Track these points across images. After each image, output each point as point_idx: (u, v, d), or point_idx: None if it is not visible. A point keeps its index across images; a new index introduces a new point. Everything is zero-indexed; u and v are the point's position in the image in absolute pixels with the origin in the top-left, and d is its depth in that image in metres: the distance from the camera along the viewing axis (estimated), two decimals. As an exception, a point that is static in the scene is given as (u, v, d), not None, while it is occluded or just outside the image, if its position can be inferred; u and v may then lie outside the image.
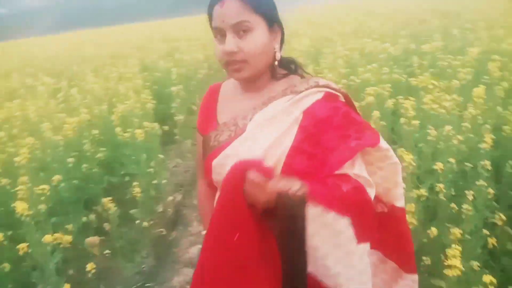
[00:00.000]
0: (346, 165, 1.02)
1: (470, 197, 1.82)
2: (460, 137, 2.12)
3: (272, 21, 1.06)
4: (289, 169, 1.01)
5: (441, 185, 1.93)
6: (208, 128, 1.18)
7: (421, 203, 1.99)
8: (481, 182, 1.86)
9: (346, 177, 1.01)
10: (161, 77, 5.67)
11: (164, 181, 3.60)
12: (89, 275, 2.10)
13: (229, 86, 1.22)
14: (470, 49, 3.39)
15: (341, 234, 0.97)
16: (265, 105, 1.09)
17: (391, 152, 1.09)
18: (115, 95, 4.01)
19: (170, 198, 3.61)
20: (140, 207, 3.14)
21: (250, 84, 1.13)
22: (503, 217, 1.87)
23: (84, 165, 2.94)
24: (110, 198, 2.66)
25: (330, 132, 1.03)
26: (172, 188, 3.84)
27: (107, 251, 2.89)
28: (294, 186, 0.93)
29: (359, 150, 1.03)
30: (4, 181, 2.43)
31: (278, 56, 1.08)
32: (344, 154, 1.01)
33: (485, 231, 1.83)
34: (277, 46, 1.08)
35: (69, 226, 2.59)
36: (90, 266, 2.10)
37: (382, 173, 1.09)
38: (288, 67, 1.16)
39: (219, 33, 1.04)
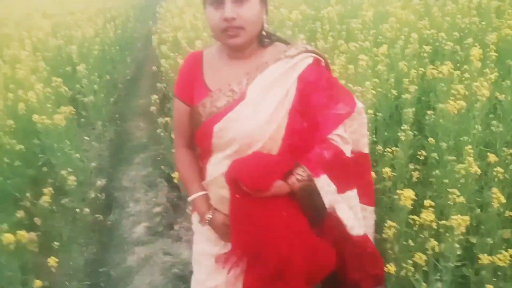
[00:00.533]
0: None
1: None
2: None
3: None
4: (290, 128, 1.18)
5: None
6: (197, 96, 1.24)
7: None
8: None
9: (327, 143, 1.19)
10: (55, 56, 5.24)
11: (93, 164, 3.46)
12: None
13: (212, 54, 1.28)
14: (364, 12, 3.80)
15: (333, 189, 1.20)
16: (259, 71, 1.19)
17: (362, 110, 1.29)
18: (16, 81, 3.65)
19: (98, 183, 3.50)
20: (71, 195, 3.03)
21: (239, 51, 1.21)
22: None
23: (5, 160, 2.71)
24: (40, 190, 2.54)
25: (318, 93, 1.18)
26: (94, 172, 3.71)
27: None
28: (299, 173, 1.15)
29: (347, 118, 1.21)
30: None
31: (265, 26, 1.21)
32: (333, 121, 1.19)
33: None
34: (264, 17, 1.19)
35: (2, 226, 2.41)
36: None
37: (353, 127, 1.27)
38: (271, 36, 1.26)
39: (216, 1, 1.11)
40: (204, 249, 1.36)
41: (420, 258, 1.44)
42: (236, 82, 1.19)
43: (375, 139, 2.46)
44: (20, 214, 2.77)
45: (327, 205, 1.19)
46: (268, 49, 1.23)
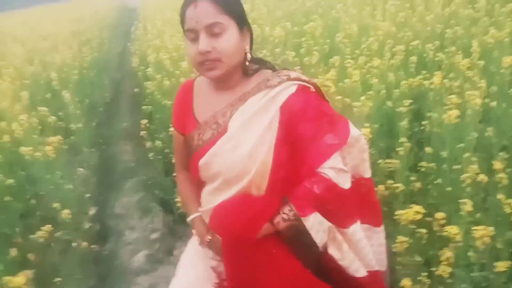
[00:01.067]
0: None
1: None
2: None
3: (242, 24, 1.14)
4: (277, 162, 1.13)
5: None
6: (188, 127, 1.24)
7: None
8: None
9: (318, 177, 1.13)
10: (33, 84, 5.11)
11: (87, 195, 3.37)
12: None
13: (202, 83, 1.27)
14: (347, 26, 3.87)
15: (325, 227, 1.15)
16: (241, 101, 1.16)
17: (361, 137, 1.22)
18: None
19: (91, 212, 3.40)
20: (65, 227, 2.93)
21: (223, 82, 1.19)
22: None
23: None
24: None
25: (305, 123, 1.12)
26: (85, 201, 3.61)
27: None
28: (285, 212, 1.12)
29: (338, 149, 1.15)
30: None
31: (248, 56, 1.17)
32: (322, 153, 1.13)
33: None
34: (247, 47, 1.17)
35: (-1, 267, 2.31)
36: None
37: (352, 154, 1.23)
38: (259, 63, 1.24)
39: (192, 34, 1.10)
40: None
41: (444, 271, 1.45)
42: (220, 114, 1.18)
43: (373, 151, 2.48)
44: (13, 252, 2.68)
45: (319, 245, 1.15)
46: (253, 78, 1.19)
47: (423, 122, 2.39)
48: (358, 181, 1.25)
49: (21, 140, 3.07)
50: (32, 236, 2.81)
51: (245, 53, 1.17)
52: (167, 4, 9.82)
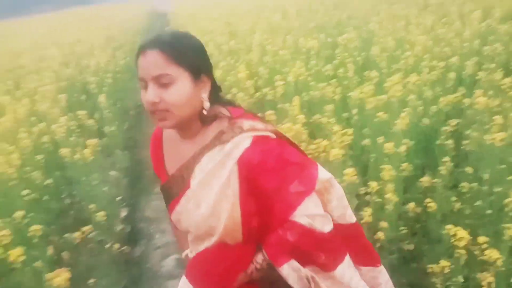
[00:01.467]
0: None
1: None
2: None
3: (198, 72, 1.06)
4: (246, 214, 1.07)
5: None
6: (162, 177, 1.21)
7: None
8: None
9: (290, 224, 1.06)
10: (70, 87, 5.28)
11: (119, 198, 3.44)
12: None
13: (169, 132, 1.21)
14: (382, 39, 3.85)
15: (304, 274, 1.08)
16: (201, 155, 1.10)
17: (333, 181, 1.14)
18: (38, 114, 3.67)
19: (123, 214, 3.47)
20: (99, 228, 3.00)
21: (183, 131, 1.14)
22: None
23: (32, 194, 2.69)
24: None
25: (267, 175, 1.05)
26: (117, 203, 3.68)
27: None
28: (258, 261, 1.09)
29: (304, 198, 1.06)
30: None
31: (206, 105, 1.08)
32: (289, 203, 1.05)
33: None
34: (204, 95, 1.08)
35: (38, 264, 2.38)
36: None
37: (333, 204, 1.15)
38: (218, 101, 1.15)
39: (143, 83, 1.05)
40: None
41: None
42: (185, 168, 1.12)
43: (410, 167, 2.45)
44: (50, 250, 2.76)
45: None
46: (211, 128, 1.12)
47: (464, 142, 2.35)
48: (346, 227, 1.18)
49: (60, 142, 3.18)
50: (66, 235, 2.91)
51: (202, 102, 1.09)
52: (199, 13, 9.99)
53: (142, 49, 1.04)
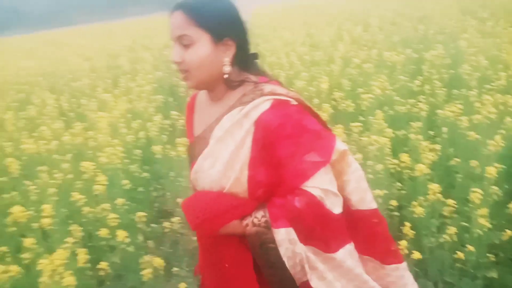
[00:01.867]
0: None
1: None
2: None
3: (221, 36, 1.06)
4: (253, 181, 1.05)
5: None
6: (190, 141, 1.24)
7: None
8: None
9: (301, 191, 1.04)
10: (159, 88, 5.69)
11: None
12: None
13: (202, 96, 1.23)
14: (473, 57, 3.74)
15: (299, 249, 1.03)
16: (223, 116, 1.10)
17: (350, 158, 1.11)
18: (134, 113, 4.03)
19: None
20: (184, 221, 3.23)
21: (211, 93, 1.15)
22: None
23: (130, 186, 2.98)
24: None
25: (283, 141, 1.03)
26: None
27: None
28: (257, 216, 1.03)
29: (319, 169, 1.04)
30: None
31: (226, 69, 1.08)
32: (302, 171, 1.03)
33: None
34: (227, 59, 1.08)
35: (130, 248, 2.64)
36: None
37: (351, 185, 1.12)
38: (249, 68, 1.14)
39: (172, 43, 1.09)
40: None
41: None
42: (209, 129, 1.13)
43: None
44: (140, 238, 3.03)
45: (289, 268, 1.03)
46: (237, 91, 1.11)
47: None
48: (367, 214, 1.13)
49: (153, 139, 3.48)
50: (153, 225, 3.16)
51: (223, 66, 1.08)
52: (279, 23, 10.20)
53: (171, 10, 1.07)
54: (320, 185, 1.03)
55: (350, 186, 1.11)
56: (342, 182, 1.11)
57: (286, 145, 1.02)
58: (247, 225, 1.04)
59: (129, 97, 4.52)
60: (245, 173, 1.04)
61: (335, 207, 1.05)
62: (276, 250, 1.01)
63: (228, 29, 1.07)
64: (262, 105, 1.05)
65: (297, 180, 1.03)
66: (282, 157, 1.03)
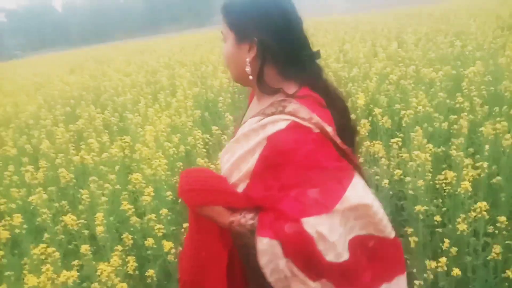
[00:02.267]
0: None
1: None
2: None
3: (243, 36, 1.06)
4: (246, 194, 1.03)
5: None
6: None
7: None
8: None
9: (295, 219, 0.96)
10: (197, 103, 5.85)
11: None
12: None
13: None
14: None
15: (281, 265, 0.97)
16: (249, 119, 1.11)
17: (366, 207, 1.00)
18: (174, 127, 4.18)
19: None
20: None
21: (254, 91, 1.18)
22: None
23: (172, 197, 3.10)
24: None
25: (291, 167, 0.98)
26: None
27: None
28: (246, 217, 1.01)
29: (318, 214, 0.95)
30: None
31: (246, 70, 1.06)
32: (301, 208, 0.96)
33: None
34: (247, 60, 1.06)
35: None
36: None
37: (362, 221, 1.02)
38: (291, 77, 1.09)
39: None
40: None
41: None
42: (241, 125, 1.15)
43: None
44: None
45: (270, 276, 0.98)
46: (270, 98, 1.08)
47: None
48: (387, 243, 1.06)
49: (193, 152, 3.60)
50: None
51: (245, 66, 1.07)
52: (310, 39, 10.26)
53: None
54: (317, 227, 0.94)
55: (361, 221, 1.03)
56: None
57: (293, 173, 0.97)
58: (232, 221, 1.01)
59: (169, 111, 4.69)
60: (246, 182, 1.03)
61: (329, 254, 0.95)
62: (256, 256, 0.97)
63: (251, 30, 1.05)
64: (279, 123, 1.00)
65: (294, 212, 0.96)
66: (286, 183, 0.98)
